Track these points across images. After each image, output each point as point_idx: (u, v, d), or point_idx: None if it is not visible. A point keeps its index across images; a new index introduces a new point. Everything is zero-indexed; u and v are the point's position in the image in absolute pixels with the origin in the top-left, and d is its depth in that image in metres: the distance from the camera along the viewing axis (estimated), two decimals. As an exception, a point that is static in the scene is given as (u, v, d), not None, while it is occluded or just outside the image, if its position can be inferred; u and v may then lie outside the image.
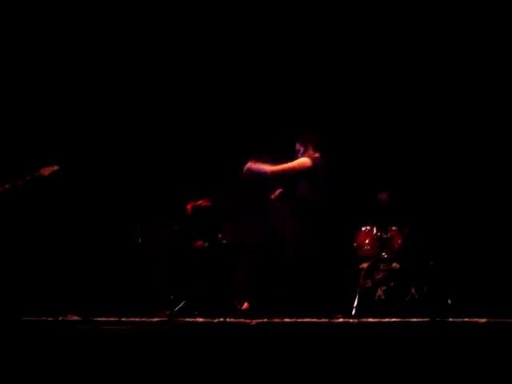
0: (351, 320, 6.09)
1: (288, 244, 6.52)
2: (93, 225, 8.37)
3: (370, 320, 6.00)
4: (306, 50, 8.47)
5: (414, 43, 8.24)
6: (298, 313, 6.14)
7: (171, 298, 7.03)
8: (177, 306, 6.88)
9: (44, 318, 5.98)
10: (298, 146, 6.78)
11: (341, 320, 6.09)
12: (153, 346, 4.90)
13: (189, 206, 7.39)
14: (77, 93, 8.61)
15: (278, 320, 5.82)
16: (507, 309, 6.10)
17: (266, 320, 5.78)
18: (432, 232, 7.50)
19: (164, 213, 7.85)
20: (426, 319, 5.85)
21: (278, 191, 6.74)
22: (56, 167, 7.10)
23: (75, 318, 6.32)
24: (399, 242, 7.34)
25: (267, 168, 6.56)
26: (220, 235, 7.26)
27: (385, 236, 7.36)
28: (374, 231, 7.41)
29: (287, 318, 5.93)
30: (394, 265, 7.15)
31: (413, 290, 6.99)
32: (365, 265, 7.23)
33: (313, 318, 5.97)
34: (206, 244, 7.22)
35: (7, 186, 6.90)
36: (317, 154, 6.68)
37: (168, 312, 6.75)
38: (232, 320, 6.09)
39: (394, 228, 7.39)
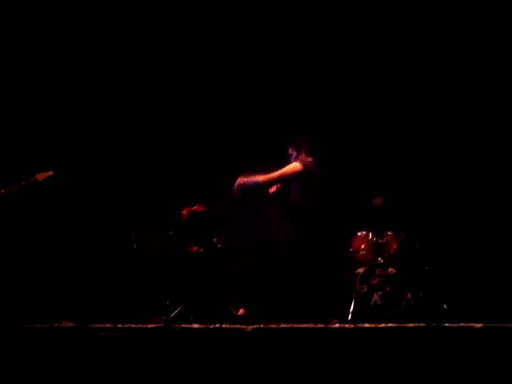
0: (347, 325, 6.08)
1: (281, 249, 6.53)
2: (88, 230, 8.35)
3: (366, 325, 5.99)
4: (302, 56, 8.47)
5: (407, 50, 8.26)
6: (294, 318, 6.13)
7: (167, 304, 7.01)
8: (173, 311, 6.86)
9: (38, 325, 5.95)
10: (290, 151, 6.80)
11: (337, 325, 6.09)
12: (149, 353, 4.88)
13: (184, 212, 7.38)
14: (72, 99, 8.60)
15: (273, 326, 5.81)
16: (503, 313, 6.10)
17: (261, 326, 5.77)
18: (428, 237, 7.50)
19: (159, 218, 7.85)
20: (422, 324, 5.84)
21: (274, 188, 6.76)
22: (51, 172, 7.09)
23: (70, 324, 6.30)
24: (395, 247, 7.34)
25: (259, 178, 6.60)
26: (215, 240, 7.26)
27: (380, 241, 7.36)
28: (370, 236, 7.41)
29: (283, 323, 5.92)
30: (390, 270, 7.15)
31: (409, 295, 6.99)
32: (361, 270, 7.23)
33: (309, 323, 5.97)
34: (202, 249, 7.21)
35: (2, 192, 6.89)
36: (309, 159, 6.69)
37: (164, 318, 6.73)
38: (228, 326, 6.08)
39: (389, 233, 7.39)
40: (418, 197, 8.04)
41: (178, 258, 7.29)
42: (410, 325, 5.87)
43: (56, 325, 6.17)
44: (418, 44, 8.21)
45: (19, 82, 8.48)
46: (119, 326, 6.03)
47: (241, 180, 6.57)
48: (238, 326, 5.96)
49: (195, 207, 7.41)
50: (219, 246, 7.23)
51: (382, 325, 5.96)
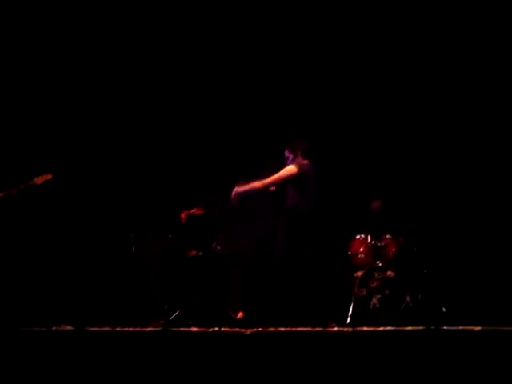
0: (346, 329, 6.08)
1: (280, 252, 6.53)
2: (86, 234, 8.35)
3: (365, 329, 5.99)
4: (299, 58, 8.47)
5: (405, 52, 8.26)
6: (292, 322, 6.13)
7: (166, 308, 7.00)
8: (171, 315, 6.86)
9: (37, 328, 5.94)
10: (286, 154, 6.84)
11: (335, 329, 6.09)
12: (147, 356, 4.88)
13: (183, 215, 7.38)
14: (70, 102, 8.59)
15: (272, 329, 5.81)
16: (502, 316, 6.10)
17: (260, 329, 5.76)
18: (426, 240, 7.50)
19: (158, 222, 7.84)
20: (421, 327, 5.83)
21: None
22: (49, 176, 7.09)
23: (68, 327, 6.30)
24: (394, 250, 7.34)
25: (256, 184, 6.63)
26: (214, 244, 7.26)
27: (379, 244, 7.35)
28: (369, 239, 7.41)
29: (282, 327, 5.92)
30: (389, 273, 7.15)
31: (407, 299, 6.98)
32: (359, 273, 7.22)
33: (308, 326, 5.96)
34: (201, 253, 7.21)
35: (1, 195, 6.89)
36: (305, 161, 6.71)
37: (163, 321, 6.73)
38: (227, 329, 6.08)
39: (388, 236, 7.39)
40: (416, 200, 8.04)
41: (176, 261, 7.28)
42: (409, 328, 5.86)
43: (54, 328, 6.17)
44: (416, 46, 8.21)
45: (18, 85, 8.48)
46: (118, 329, 6.03)
47: (238, 189, 6.61)
48: (236, 329, 5.95)
49: (194, 210, 7.41)
50: (218, 249, 7.23)
51: (381, 328, 5.95)
